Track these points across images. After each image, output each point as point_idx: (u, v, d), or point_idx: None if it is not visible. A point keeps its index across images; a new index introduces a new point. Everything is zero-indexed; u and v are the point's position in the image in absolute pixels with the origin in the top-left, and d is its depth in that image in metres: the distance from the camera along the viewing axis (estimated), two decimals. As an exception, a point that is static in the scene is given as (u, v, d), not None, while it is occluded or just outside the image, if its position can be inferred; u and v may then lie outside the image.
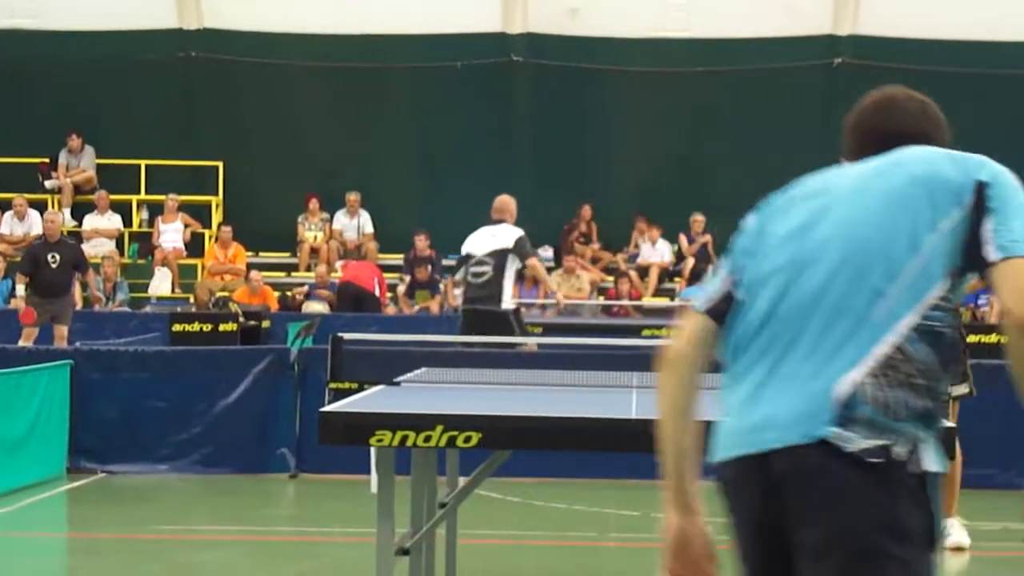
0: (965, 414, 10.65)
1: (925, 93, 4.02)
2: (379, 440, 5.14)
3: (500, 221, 14.88)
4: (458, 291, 15.48)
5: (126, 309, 22.44)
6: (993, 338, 15.46)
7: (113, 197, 25.57)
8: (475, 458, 5.96)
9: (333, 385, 9.41)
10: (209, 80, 26.07)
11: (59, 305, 18.84)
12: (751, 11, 25.26)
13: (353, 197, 25.56)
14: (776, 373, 3.58)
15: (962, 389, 9.70)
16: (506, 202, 15.06)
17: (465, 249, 14.79)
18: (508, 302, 14.62)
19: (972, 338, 15.45)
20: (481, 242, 14.72)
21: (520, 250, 14.68)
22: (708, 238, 24.67)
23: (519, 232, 14.84)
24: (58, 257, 19.02)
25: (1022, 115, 24.75)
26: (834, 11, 25.13)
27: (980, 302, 22.31)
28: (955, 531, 9.61)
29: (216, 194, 26.12)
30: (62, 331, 18.52)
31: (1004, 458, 13.02)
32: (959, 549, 9.66)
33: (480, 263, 14.56)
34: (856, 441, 3.45)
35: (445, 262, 24.31)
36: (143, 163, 25.85)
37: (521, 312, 15.56)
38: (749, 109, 25.46)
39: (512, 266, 14.62)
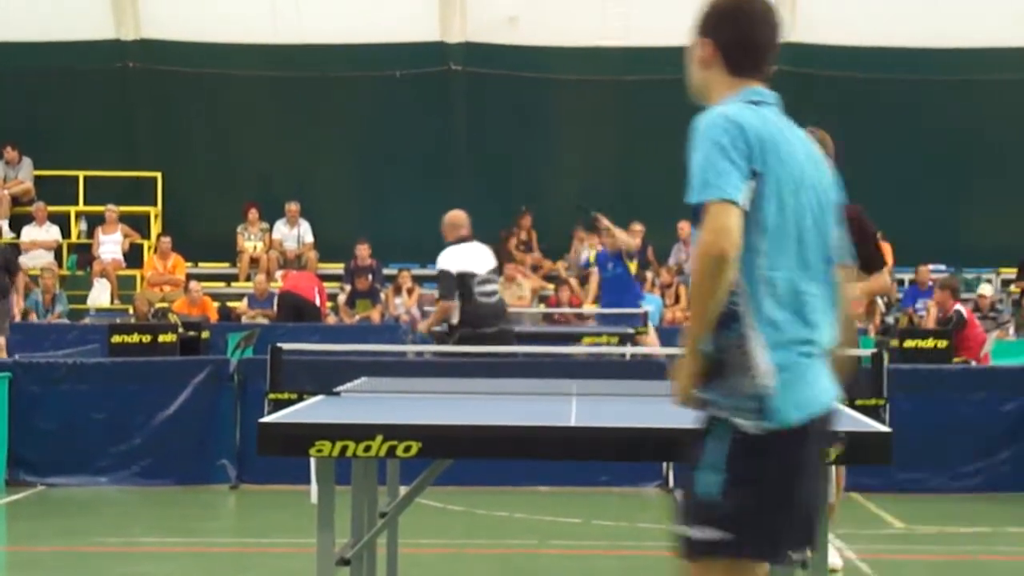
0: (898, 418, 10.76)
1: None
2: (319, 451, 5.14)
3: (472, 239, 13.82)
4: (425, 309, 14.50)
5: (65, 321, 22.30)
6: (929, 343, 15.61)
7: (51, 208, 25.42)
8: (416, 467, 5.97)
9: (272, 396, 9.40)
10: (147, 90, 25.96)
11: None
12: (690, 20, 25.33)
13: (293, 207, 25.51)
14: None
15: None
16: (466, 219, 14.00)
17: (458, 267, 13.45)
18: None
19: (909, 343, 15.62)
20: (481, 260, 13.71)
21: None
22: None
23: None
24: None
25: (952, 121, 24.97)
26: (770, 20, 25.24)
27: (917, 307, 22.46)
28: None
29: (155, 205, 26.01)
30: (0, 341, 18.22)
31: (937, 462, 13.13)
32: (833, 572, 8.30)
33: (487, 281, 13.66)
34: None
35: (386, 271, 24.32)
36: (81, 174, 25.72)
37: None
38: (688, 117, 25.47)
39: None
